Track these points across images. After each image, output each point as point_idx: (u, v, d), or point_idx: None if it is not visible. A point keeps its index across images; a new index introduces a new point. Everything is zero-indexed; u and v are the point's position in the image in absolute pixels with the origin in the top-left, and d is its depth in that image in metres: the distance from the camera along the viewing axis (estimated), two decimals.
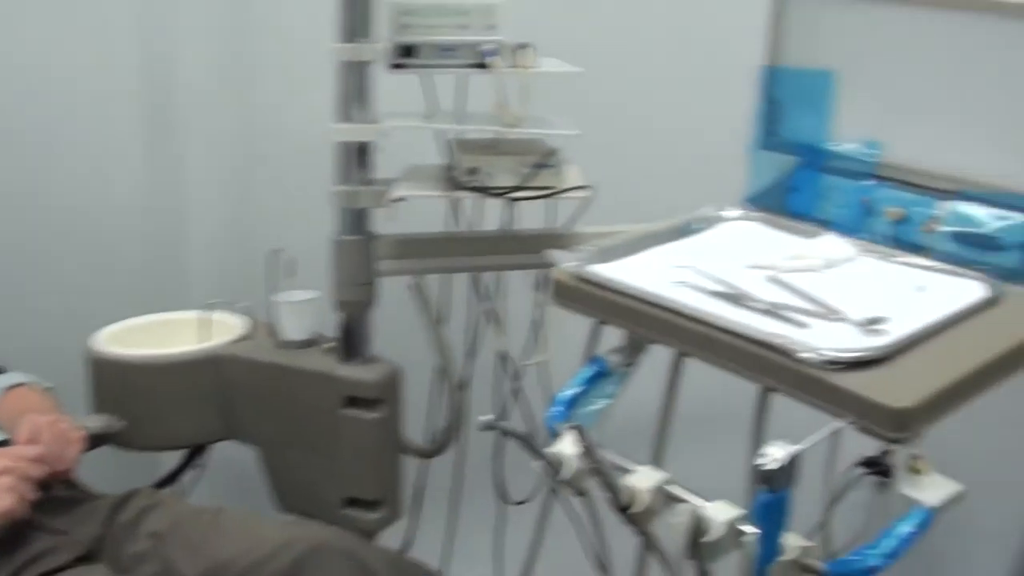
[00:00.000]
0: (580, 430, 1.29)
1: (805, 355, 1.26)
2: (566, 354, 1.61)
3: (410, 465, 2.12)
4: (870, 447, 1.23)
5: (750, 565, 1.20)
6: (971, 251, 1.56)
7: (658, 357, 1.54)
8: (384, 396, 1.94)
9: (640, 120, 2.30)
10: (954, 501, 1.24)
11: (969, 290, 1.47)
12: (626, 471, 1.34)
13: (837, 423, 1.21)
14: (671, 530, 1.27)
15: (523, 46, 1.81)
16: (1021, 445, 1.94)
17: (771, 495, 1.16)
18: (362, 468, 1.99)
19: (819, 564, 1.20)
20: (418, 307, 1.95)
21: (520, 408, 2.14)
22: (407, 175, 1.90)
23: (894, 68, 1.67)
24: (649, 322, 1.42)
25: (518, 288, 2.04)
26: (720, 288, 1.45)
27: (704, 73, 2.25)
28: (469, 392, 2.13)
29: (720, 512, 1.24)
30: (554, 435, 1.42)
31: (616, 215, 1.72)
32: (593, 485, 1.35)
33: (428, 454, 2.10)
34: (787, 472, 1.15)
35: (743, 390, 1.49)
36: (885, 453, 1.25)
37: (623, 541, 1.57)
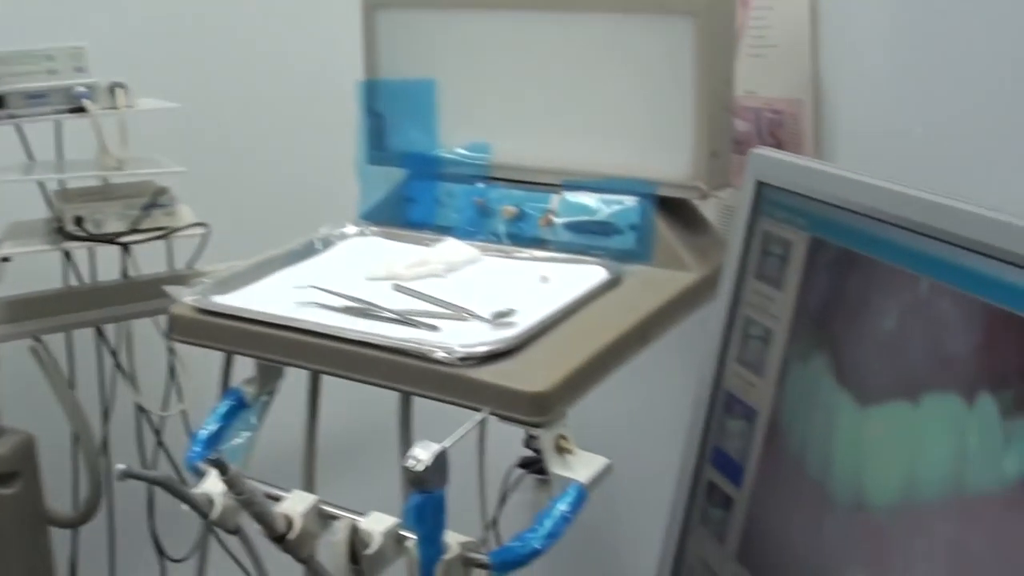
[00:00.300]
0: (221, 464, 1.20)
1: (440, 355, 1.24)
2: (211, 396, 1.53)
3: (61, 537, 1.97)
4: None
5: (415, 569, 1.15)
6: (589, 238, 1.57)
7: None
8: (19, 469, 1.79)
9: (253, 149, 2.24)
10: (604, 475, 1.24)
11: (591, 275, 1.48)
12: (277, 499, 1.27)
13: (479, 416, 1.18)
14: (332, 550, 1.21)
15: (118, 86, 1.72)
16: (659, 414, 1.99)
17: (424, 496, 1.12)
18: (5, 549, 1.83)
19: (483, 556, 1.17)
20: (43, 370, 1.82)
21: (168, 461, 2.03)
22: (11, 233, 1.78)
23: (491, 70, 1.68)
24: (277, 345, 1.36)
25: (149, 337, 1.93)
26: (347, 303, 1.41)
27: (309, 93, 2.22)
28: (109, 452, 2.00)
29: (377, 523, 1.20)
30: (198, 475, 1.34)
31: (240, 249, 1.65)
32: (247, 520, 1.27)
33: (75, 523, 1.96)
34: (436, 471, 1.11)
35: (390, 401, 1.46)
36: (532, 438, 1.23)
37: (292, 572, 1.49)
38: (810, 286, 1.05)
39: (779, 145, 1.60)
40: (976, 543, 0.82)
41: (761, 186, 1.14)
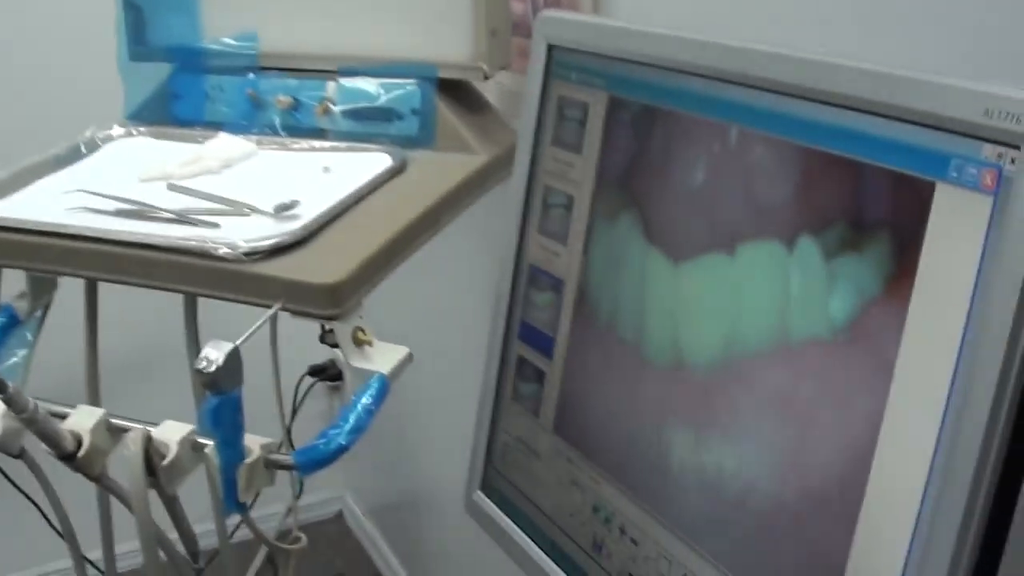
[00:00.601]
0: None
1: (223, 251, 1.15)
2: None
3: None
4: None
5: (216, 476, 1.08)
6: (370, 125, 1.50)
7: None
8: None
9: (3, 55, 2.08)
10: (405, 364, 1.18)
11: (375, 162, 1.42)
12: (63, 416, 1.17)
13: (270, 311, 1.11)
14: (127, 465, 1.12)
15: None
16: (461, 300, 1.94)
17: (220, 398, 1.04)
18: None
19: (286, 457, 1.10)
20: None
21: None
22: None
23: None
24: (48, 255, 1.25)
25: None
26: (120, 206, 1.30)
27: None
28: None
29: (172, 431, 1.11)
30: None
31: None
32: (33, 442, 1.17)
33: None
34: (230, 371, 1.04)
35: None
36: (327, 333, 1.17)
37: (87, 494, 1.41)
38: (611, 147, 1.00)
39: None
40: (804, 390, 0.78)
41: (553, 49, 1.08)
